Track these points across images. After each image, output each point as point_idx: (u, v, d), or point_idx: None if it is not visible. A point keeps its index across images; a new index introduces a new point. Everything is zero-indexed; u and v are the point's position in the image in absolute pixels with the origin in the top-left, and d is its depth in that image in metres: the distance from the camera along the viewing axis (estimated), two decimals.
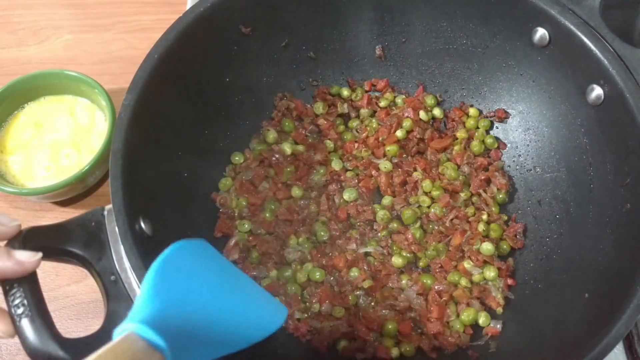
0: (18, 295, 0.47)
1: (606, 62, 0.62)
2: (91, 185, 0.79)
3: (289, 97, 0.79)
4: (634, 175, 0.60)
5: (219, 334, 0.49)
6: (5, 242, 0.50)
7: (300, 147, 0.77)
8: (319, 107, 0.80)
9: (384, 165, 0.76)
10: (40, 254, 0.48)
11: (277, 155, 0.76)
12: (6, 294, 0.47)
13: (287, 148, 0.76)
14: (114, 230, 0.52)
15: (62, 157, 0.78)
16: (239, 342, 0.52)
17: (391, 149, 0.77)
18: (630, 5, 0.70)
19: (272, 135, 0.77)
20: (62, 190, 0.73)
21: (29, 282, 0.48)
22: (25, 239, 0.49)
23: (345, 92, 0.81)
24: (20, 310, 0.46)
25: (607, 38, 0.63)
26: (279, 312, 0.60)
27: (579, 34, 0.63)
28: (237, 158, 0.76)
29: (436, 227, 0.73)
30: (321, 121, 0.79)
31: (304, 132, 0.78)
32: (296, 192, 0.74)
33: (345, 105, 0.81)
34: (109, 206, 0.54)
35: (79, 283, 0.74)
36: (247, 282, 0.59)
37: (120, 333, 0.40)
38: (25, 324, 0.46)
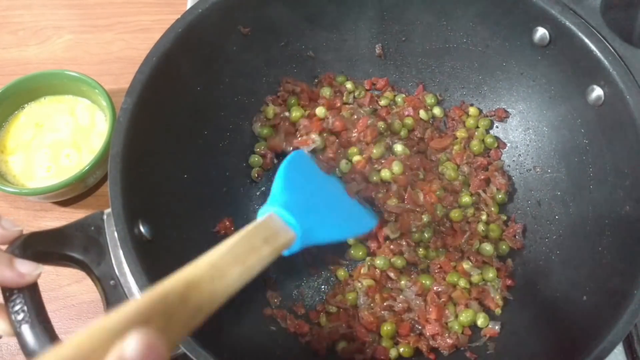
0: (18, 301, 0.47)
1: (606, 63, 0.61)
2: (91, 185, 0.79)
3: (293, 82, 0.79)
4: (634, 177, 0.60)
5: (331, 221, 0.62)
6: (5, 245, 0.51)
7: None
8: (326, 91, 0.79)
9: (402, 149, 0.75)
10: (41, 268, 0.49)
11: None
12: (6, 300, 0.47)
13: (296, 112, 0.77)
14: (113, 234, 0.52)
15: (63, 157, 0.78)
16: (344, 232, 0.66)
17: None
18: (631, 5, 0.69)
19: (271, 110, 0.77)
20: (62, 190, 0.74)
21: (29, 288, 0.48)
22: (25, 244, 0.49)
23: (349, 85, 0.81)
24: (20, 317, 0.46)
25: (608, 38, 0.63)
26: (371, 216, 0.71)
27: (580, 34, 0.63)
28: (256, 159, 0.76)
29: (436, 228, 0.73)
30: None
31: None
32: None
33: (351, 97, 0.80)
34: (108, 210, 0.54)
35: (79, 283, 0.75)
36: (341, 187, 0.71)
37: (263, 213, 0.52)
38: (26, 330, 0.46)
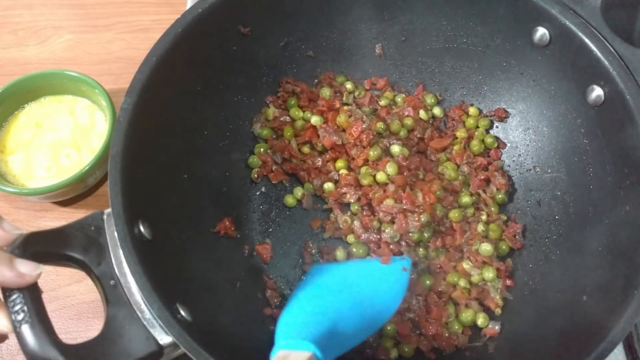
0: (18, 301, 0.47)
1: (606, 63, 0.61)
2: (91, 185, 0.79)
3: (292, 83, 0.79)
4: (634, 177, 0.60)
5: (355, 327, 0.58)
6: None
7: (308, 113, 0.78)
8: (326, 92, 0.79)
9: (399, 150, 0.76)
10: (41, 268, 0.48)
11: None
12: (6, 299, 0.47)
13: (296, 112, 0.77)
14: (113, 234, 0.52)
15: (63, 157, 0.78)
16: (373, 326, 0.61)
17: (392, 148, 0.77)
18: (631, 5, 0.69)
19: (271, 111, 0.77)
20: (62, 190, 0.74)
21: (29, 288, 0.48)
22: (25, 244, 0.49)
23: (349, 85, 0.81)
24: (20, 317, 0.46)
25: (608, 38, 0.63)
26: (401, 277, 0.65)
27: (580, 33, 0.63)
28: (255, 160, 0.76)
29: (436, 227, 0.73)
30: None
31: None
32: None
33: (351, 97, 0.80)
34: (108, 210, 0.54)
35: (79, 283, 0.74)
36: (364, 269, 0.66)
37: (293, 346, 0.52)
38: (26, 330, 0.46)
